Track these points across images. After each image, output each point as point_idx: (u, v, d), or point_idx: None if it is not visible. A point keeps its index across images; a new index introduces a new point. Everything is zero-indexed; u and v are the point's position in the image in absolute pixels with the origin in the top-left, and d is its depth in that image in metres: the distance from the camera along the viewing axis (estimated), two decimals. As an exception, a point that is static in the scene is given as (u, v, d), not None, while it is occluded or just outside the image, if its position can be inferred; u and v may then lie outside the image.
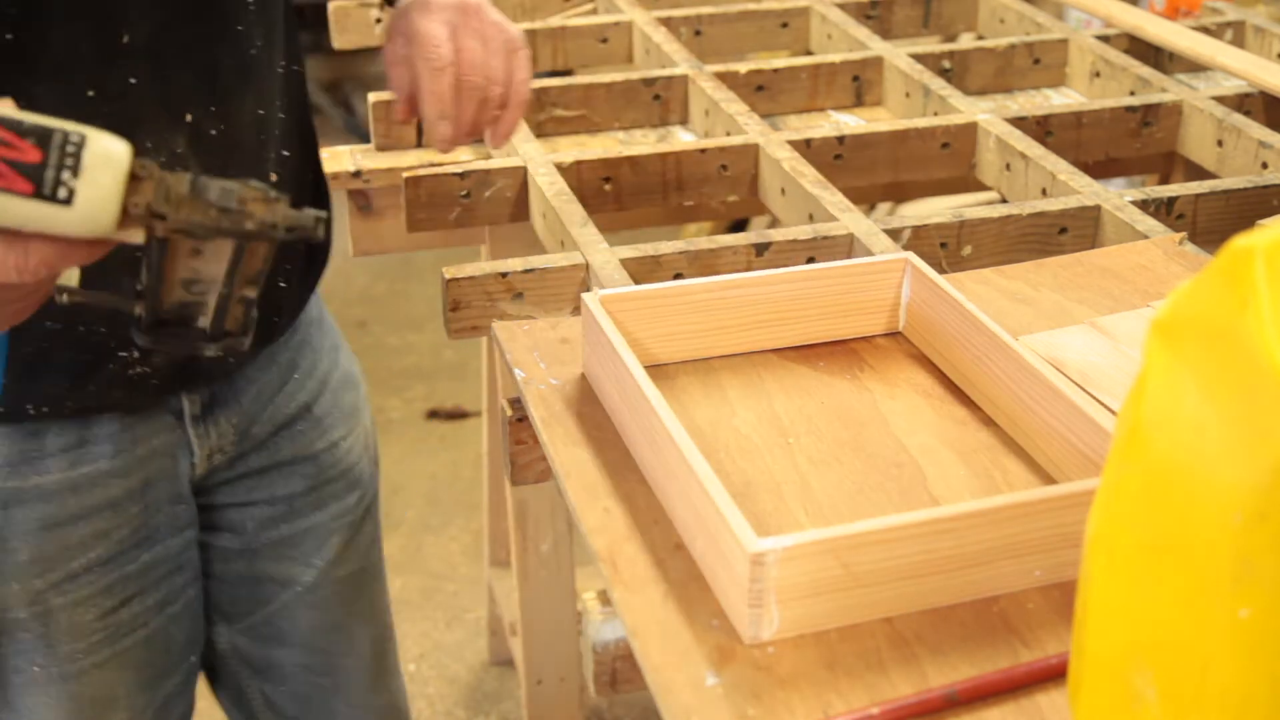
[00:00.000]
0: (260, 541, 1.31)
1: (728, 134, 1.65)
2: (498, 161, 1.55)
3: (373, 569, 1.40)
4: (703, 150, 1.55)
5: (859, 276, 1.16)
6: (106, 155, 0.73)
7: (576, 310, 1.30)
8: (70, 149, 0.72)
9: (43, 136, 0.72)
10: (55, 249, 0.75)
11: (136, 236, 0.76)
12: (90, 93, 0.97)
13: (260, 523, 1.29)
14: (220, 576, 1.31)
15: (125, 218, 0.75)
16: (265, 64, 1.11)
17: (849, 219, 1.37)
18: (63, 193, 0.72)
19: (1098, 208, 1.41)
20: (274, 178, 1.15)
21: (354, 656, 1.40)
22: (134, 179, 0.74)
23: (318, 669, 1.37)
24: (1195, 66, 1.94)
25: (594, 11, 2.17)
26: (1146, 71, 1.80)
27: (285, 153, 1.17)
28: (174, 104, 1.03)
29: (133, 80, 0.99)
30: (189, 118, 1.05)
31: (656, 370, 1.14)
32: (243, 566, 1.31)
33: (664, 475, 0.97)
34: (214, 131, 1.07)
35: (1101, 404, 1.09)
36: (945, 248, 1.40)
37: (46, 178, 0.72)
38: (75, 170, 0.72)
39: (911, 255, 1.16)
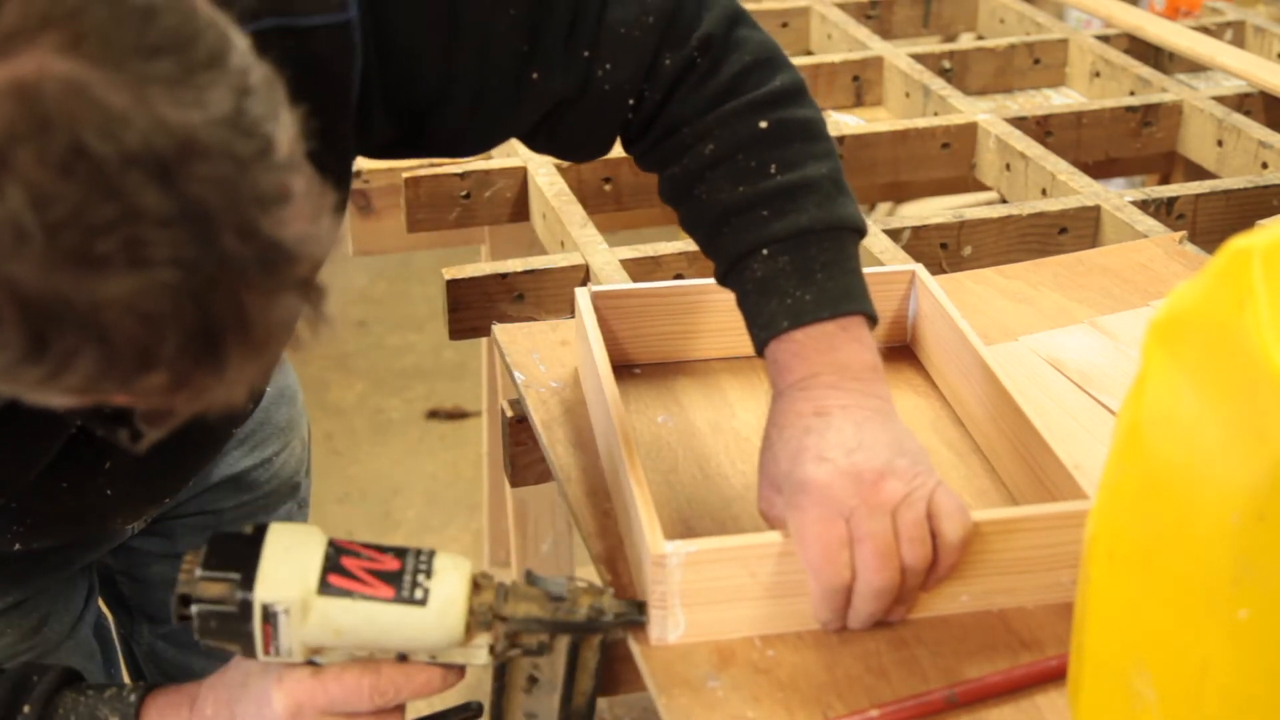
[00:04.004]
0: (188, 547, 1.27)
1: (727, 134, 1.65)
2: (498, 162, 1.55)
3: None
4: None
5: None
6: (454, 563, 0.81)
7: (576, 311, 1.30)
8: (422, 559, 0.81)
9: (399, 551, 0.81)
10: (403, 674, 0.83)
11: (480, 655, 0.84)
12: (64, 485, 0.95)
13: (190, 529, 1.26)
14: (146, 580, 1.27)
15: (472, 621, 0.82)
16: (231, 426, 1.11)
17: (849, 219, 1.37)
18: (419, 594, 0.80)
19: (1098, 208, 1.41)
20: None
21: None
22: (476, 586, 0.82)
23: None
24: (1195, 66, 1.94)
25: (594, 12, 2.17)
26: (1146, 71, 1.80)
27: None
28: (149, 497, 1.07)
29: (109, 492, 0.99)
30: (167, 501, 1.11)
31: (654, 369, 1.14)
32: (169, 571, 1.28)
33: (611, 472, 0.97)
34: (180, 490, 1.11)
35: (1102, 404, 1.09)
36: (945, 248, 1.40)
37: (404, 581, 0.80)
38: (428, 573, 0.81)
39: (919, 267, 1.16)
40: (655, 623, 0.85)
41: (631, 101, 0.93)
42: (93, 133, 0.57)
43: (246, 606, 0.78)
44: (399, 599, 0.79)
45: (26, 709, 0.85)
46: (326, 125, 0.66)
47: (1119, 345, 1.16)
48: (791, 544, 0.84)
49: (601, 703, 2.53)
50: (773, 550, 0.84)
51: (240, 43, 0.63)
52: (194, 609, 0.78)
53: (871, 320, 0.91)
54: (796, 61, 1.82)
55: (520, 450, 1.20)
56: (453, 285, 1.30)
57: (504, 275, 1.31)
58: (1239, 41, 2.01)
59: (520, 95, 0.91)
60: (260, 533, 0.80)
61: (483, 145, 0.98)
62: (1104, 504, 0.70)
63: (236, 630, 0.79)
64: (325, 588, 0.79)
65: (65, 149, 0.57)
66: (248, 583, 0.78)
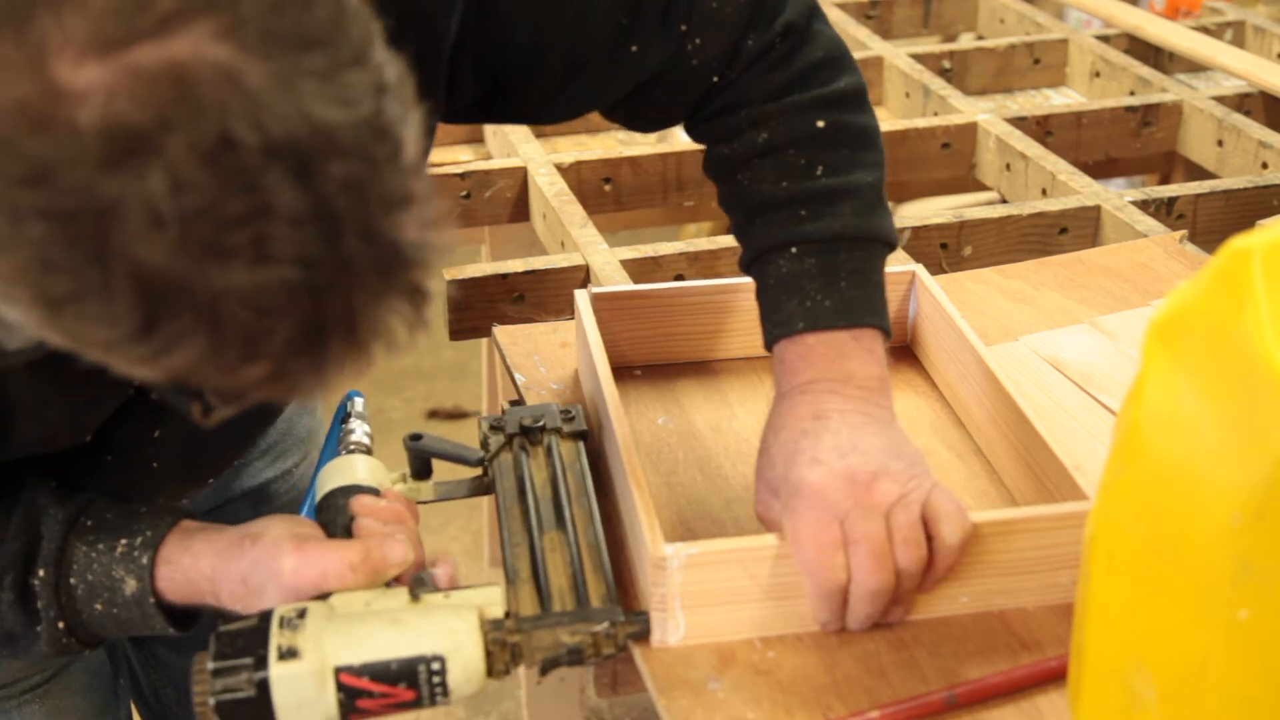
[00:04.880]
0: None
1: (728, 134, 1.65)
2: (498, 161, 1.55)
3: None
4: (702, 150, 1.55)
5: None
6: (468, 672, 0.80)
7: (576, 311, 1.30)
8: (436, 679, 0.80)
9: (410, 675, 0.79)
10: None
11: None
12: (109, 458, 0.94)
13: None
14: None
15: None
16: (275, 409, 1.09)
17: (849, 219, 1.37)
18: (440, 700, 0.80)
19: (1098, 208, 1.41)
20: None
21: None
22: (489, 654, 0.81)
23: None
24: (1195, 66, 1.94)
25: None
26: (1146, 71, 1.80)
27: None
28: (193, 475, 1.04)
29: (155, 464, 0.98)
30: (211, 481, 1.07)
31: (654, 370, 1.14)
32: None
33: (615, 473, 0.97)
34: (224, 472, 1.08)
35: (1102, 404, 1.09)
36: (945, 248, 1.40)
37: (423, 706, 0.80)
38: (445, 692, 0.80)
39: (919, 268, 1.16)
40: (656, 625, 0.85)
41: (716, 80, 0.93)
42: (242, 123, 0.57)
43: (264, 686, 0.78)
44: (425, 704, 0.81)
45: (41, 573, 0.85)
46: (420, 79, 0.66)
47: (1119, 345, 1.16)
48: (788, 546, 0.84)
49: (601, 703, 2.51)
50: (772, 552, 0.84)
51: (378, 31, 0.62)
52: (211, 701, 0.78)
53: (886, 335, 0.91)
54: (796, 62, 1.83)
55: (520, 451, 1.19)
56: (453, 285, 1.30)
57: (504, 276, 1.31)
58: (1239, 41, 2.01)
59: (617, 68, 0.91)
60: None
61: (567, 114, 0.98)
62: (1104, 504, 0.70)
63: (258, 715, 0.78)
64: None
65: (214, 139, 0.56)
66: (261, 663, 0.78)
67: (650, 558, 0.83)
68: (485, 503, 2.28)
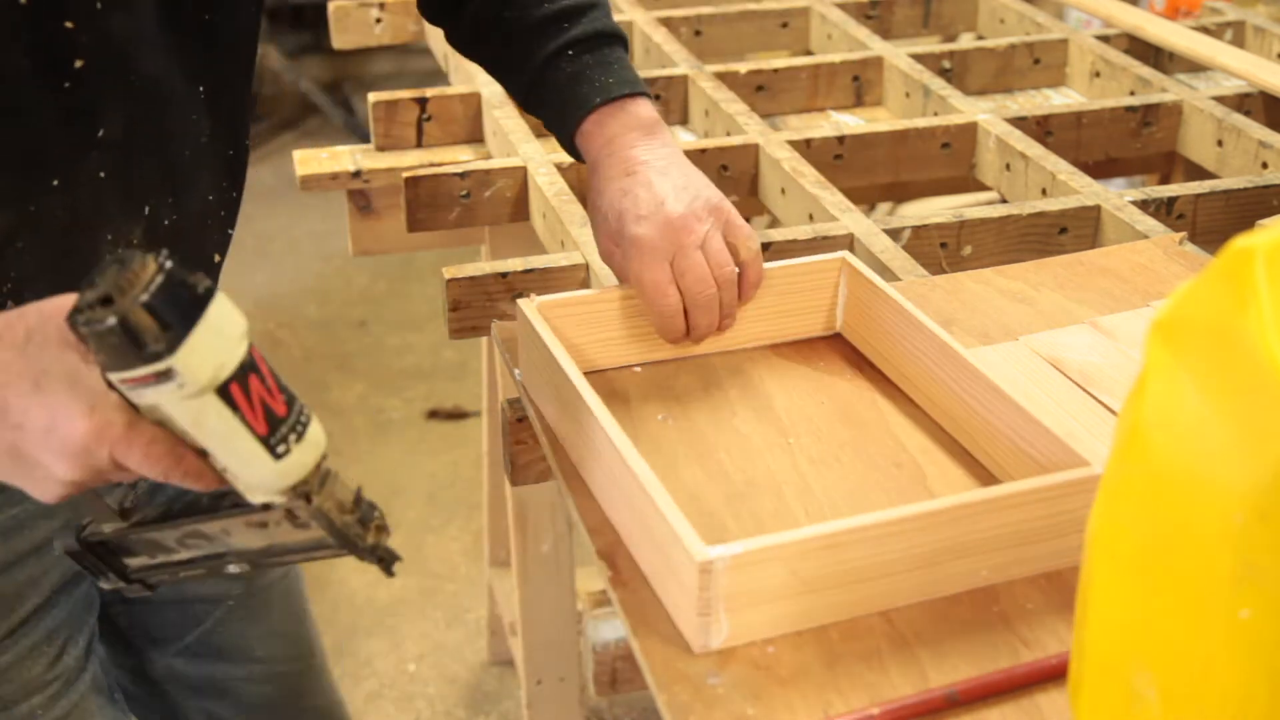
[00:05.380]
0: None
1: (728, 134, 1.65)
2: (498, 161, 1.55)
3: (294, 570, 1.39)
4: (703, 150, 1.55)
5: (795, 278, 1.16)
6: (318, 439, 0.81)
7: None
8: (302, 418, 0.80)
9: (290, 399, 0.80)
10: (198, 469, 0.80)
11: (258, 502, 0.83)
12: (55, 182, 0.94)
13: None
14: (147, 601, 1.26)
15: (289, 491, 0.81)
16: (215, 151, 1.08)
17: (849, 219, 1.37)
18: (282, 449, 0.79)
19: (1098, 208, 1.41)
20: (216, 258, 1.12)
21: (290, 661, 1.39)
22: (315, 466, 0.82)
23: (258, 677, 1.36)
24: (1195, 66, 1.94)
25: (594, 11, 2.17)
26: (1146, 71, 1.80)
27: (229, 231, 1.13)
28: (136, 195, 1.02)
29: (102, 174, 0.97)
30: (147, 209, 1.03)
31: (654, 367, 1.14)
32: (170, 590, 1.23)
33: (607, 482, 0.96)
34: (168, 221, 1.04)
35: (1102, 404, 1.09)
36: (945, 248, 1.40)
37: (280, 430, 0.79)
38: (300, 436, 0.80)
39: (848, 255, 1.17)
40: (699, 630, 0.84)
41: None
42: None
43: (157, 357, 0.74)
44: (265, 442, 0.78)
45: None
46: None
47: (1119, 345, 1.16)
48: (831, 538, 0.85)
49: (602, 702, 2.52)
50: (816, 545, 0.84)
51: None
52: (112, 319, 0.73)
53: (649, 99, 1.15)
54: (796, 61, 1.83)
55: (520, 449, 1.20)
56: (453, 285, 1.30)
57: (504, 275, 1.31)
58: (1239, 41, 2.01)
59: None
60: (208, 297, 0.75)
61: None
62: (1105, 504, 0.70)
63: (124, 355, 0.74)
64: (224, 391, 0.76)
65: None
66: (174, 342, 0.74)
67: (695, 563, 0.82)
68: (485, 502, 2.29)
